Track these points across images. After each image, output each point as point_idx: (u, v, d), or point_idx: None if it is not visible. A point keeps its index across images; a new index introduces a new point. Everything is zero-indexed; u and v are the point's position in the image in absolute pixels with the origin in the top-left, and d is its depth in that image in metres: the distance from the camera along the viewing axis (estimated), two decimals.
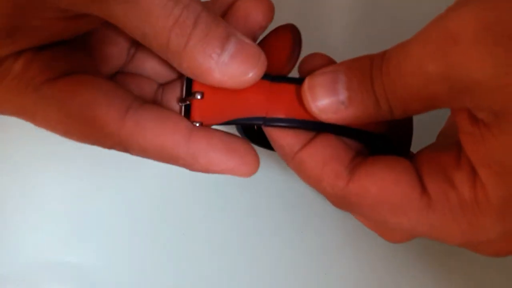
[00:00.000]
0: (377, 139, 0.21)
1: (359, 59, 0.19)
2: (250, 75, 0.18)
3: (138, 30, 0.18)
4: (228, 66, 0.18)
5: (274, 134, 0.20)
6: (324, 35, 0.34)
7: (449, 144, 0.19)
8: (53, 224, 0.34)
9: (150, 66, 0.22)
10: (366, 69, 0.18)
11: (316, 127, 0.20)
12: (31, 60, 0.18)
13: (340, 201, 0.20)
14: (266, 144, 0.22)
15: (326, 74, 0.19)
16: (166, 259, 0.32)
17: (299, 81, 0.20)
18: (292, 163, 0.20)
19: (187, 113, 0.21)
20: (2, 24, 0.17)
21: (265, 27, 0.21)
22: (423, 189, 0.18)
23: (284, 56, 0.20)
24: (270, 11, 0.21)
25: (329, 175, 0.19)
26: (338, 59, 0.20)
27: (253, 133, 0.22)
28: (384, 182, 0.18)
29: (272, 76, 0.20)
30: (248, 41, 0.19)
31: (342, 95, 0.18)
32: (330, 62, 0.20)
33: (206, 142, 0.20)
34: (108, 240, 0.33)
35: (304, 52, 0.21)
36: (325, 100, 0.19)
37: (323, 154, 0.19)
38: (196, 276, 0.32)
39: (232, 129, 0.23)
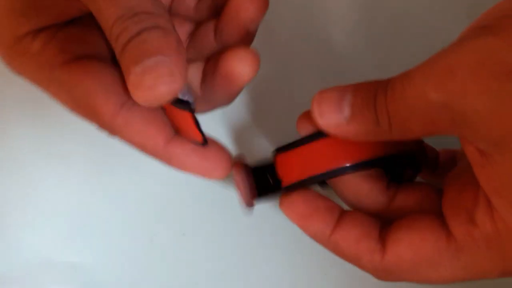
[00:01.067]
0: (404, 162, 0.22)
1: (367, 82, 0.20)
2: (156, 92, 0.18)
3: (94, 12, 0.19)
4: (137, 78, 0.18)
5: (299, 221, 0.22)
6: (326, 33, 0.34)
7: (468, 179, 0.19)
8: (53, 224, 0.34)
9: None
10: (371, 90, 0.19)
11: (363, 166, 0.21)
12: (48, 41, 0.21)
13: (382, 274, 0.21)
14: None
15: (334, 91, 0.20)
16: (166, 259, 0.32)
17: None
18: (328, 246, 0.22)
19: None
20: (17, 3, 0.19)
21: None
22: (449, 235, 0.19)
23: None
24: (256, 67, 0.21)
25: (364, 252, 0.21)
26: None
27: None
28: (413, 244, 0.20)
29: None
30: (169, 64, 0.18)
31: (346, 112, 0.19)
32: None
33: (181, 149, 0.22)
34: (108, 240, 0.33)
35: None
36: (330, 115, 0.20)
37: (355, 233, 0.21)
38: (196, 276, 0.32)
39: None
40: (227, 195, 0.32)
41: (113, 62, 0.22)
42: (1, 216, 0.34)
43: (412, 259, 0.20)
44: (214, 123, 0.26)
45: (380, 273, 0.21)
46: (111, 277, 0.32)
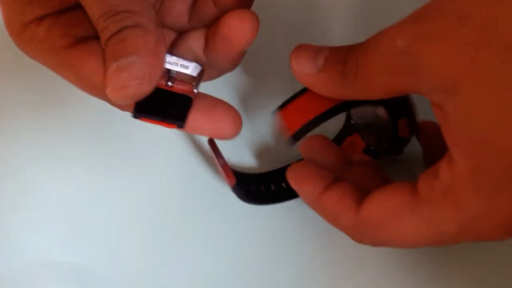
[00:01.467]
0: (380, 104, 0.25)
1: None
2: (125, 91, 0.21)
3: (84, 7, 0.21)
4: (112, 73, 0.21)
5: (297, 183, 0.24)
6: (325, 29, 0.34)
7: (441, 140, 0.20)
8: (53, 224, 0.34)
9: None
10: (347, 47, 0.21)
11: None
12: (52, 26, 0.22)
13: (356, 233, 0.23)
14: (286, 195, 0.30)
15: (314, 46, 0.22)
16: (166, 259, 0.32)
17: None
18: (314, 205, 0.24)
19: None
20: None
21: (249, 43, 0.23)
22: (414, 191, 0.20)
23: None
24: (255, 28, 0.22)
25: (342, 210, 0.22)
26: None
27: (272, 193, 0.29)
28: (381, 200, 0.21)
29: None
30: (140, 66, 0.21)
31: (319, 62, 0.22)
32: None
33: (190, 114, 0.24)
34: (108, 240, 0.33)
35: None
36: (304, 64, 0.22)
37: (338, 194, 0.23)
38: (196, 276, 0.32)
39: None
40: (227, 195, 0.32)
41: None
42: (1, 216, 0.34)
43: (380, 214, 0.21)
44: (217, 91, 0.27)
45: (354, 232, 0.23)
46: (111, 277, 0.32)
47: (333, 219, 0.24)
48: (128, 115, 0.34)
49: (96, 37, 0.23)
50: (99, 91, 0.23)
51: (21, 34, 0.22)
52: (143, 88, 0.21)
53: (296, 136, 0.25)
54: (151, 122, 0.25)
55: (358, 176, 0.25)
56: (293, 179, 0.25)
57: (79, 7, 0.23)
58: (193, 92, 0.25)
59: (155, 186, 0.33)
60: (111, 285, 0.32)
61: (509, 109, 0.17)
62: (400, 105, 0.26)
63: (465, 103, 0.17)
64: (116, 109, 0.31)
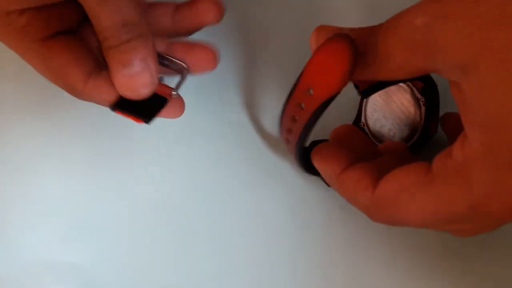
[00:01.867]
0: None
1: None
2: (136, 92, 0.26)
3: (90, 15, 0.24)
4: (124, 78, 0.25)
5: (320, 162, 0.25)
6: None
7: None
8: (53, 224, 0.34)
9: None
10: (368, 28, 0.21)
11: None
12: (33, 18, 0.24)
13: (373, 211, 0.23)
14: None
15: (333, 26, 0.23)
16: (166, 259, 0.32)
17: None
18: (335, 184, 0.25)
19: None
20: None
21: (211, 22, 0.29)
22: (429, 169, 0.20)
23: (337, 76, 0.21)
24: (221, 14, 0.28)
25: (360, 189, 0.23)
26: None
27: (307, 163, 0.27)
28: (397, 179, 0.22)
29: None
30: (150, 71, 0.26)
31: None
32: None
33: None
34: (108, 240, 0.33)
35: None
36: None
37: (358, 174, 0.23)
38: (196, 276, 0.32)
39: None
40: (227, 195, 0.32)
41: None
42: (1, 216, 0.34)
43: (394, 192, 0.21)
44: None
45: (371, 210, 0.23)
46: (111, 277, 0.32)
47: (351, 198, 0.24)
48: None
49: (70, 31, 0.27)
50: (63, 81, 0.27)
51: (1, 17, 0.24)
52: (151, 90, 0.26)
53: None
54: (124, 116, 0.28)
55: (384, 161, 0.25)
56: (317, 158, 0.25)
57: (59, 3, 0.25)
58: (171, 95, 0.28)
59: (155, 186, 0.33)
60: (111, 285, 0.32)
61: None
62: (433, 103, 0.27)
63: (482, 81, 0.18)
64: None
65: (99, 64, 0.27)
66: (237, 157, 0.33)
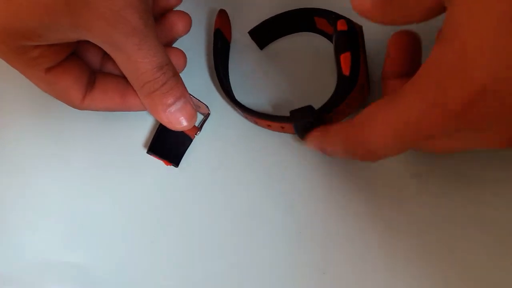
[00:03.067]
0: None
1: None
2: (183, 124, 0.30)
3: (123, 69, 0.28)
4: (172, 115, 0.29)
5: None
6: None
7: None
8: (53, 224, 0.34)
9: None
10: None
11: None
12: (45, 51, 0.27)
13: (350, 146, 0.25)
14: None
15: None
16: (166, 259, 0.32)
17: None
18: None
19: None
20: (39, 30, 0.25)
21: (183, 35, 0.32)
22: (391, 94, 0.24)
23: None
24: (189, 24, 0.32)
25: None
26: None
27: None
28: (365, 109, 0.24)
29: None
30: (190, 103, 0.30)
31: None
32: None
33: (136, 101, 0.31)
34: (108, 240, 0.33)
35: None
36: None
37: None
38: (195, 276, 0.32)
39: None
40: (226, 195, 0.33)
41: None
42: (1, 216, 0.34)
43: (361, 119, 0.24)
44: None
45: (349, 146, 0.25)
46: (111, 277, 0.32)
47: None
48: (130, 114, 0.35)
49: (73, 53, 0.30)
50: (65, 99, 0.30)
51: (14, 50, 0.26)
52: (195, 118, 0.30)
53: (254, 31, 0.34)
54: (158, 158, 0.34)
55: None
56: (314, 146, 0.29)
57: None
58: (196, 134, 0.34)
59: (155, 186, 0.33)
60: (111, 285, 0.32)
61: None
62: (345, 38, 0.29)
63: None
64: (117, 109, 0.31)
65: (92, 79, 0.30)
66: (237, 157, 0.33)
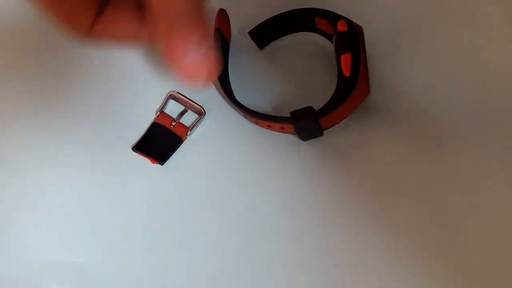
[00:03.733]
0: None
1: None
2: (200, 77, 0.22)
3: None
4: (191, 61, 0.22)
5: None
6: None
7: None
8: (53, 224, 0.34)
9: None
10: None
11: None
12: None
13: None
14: None
15: None
16: (166, 259, 0.32)
17: None
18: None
19: None
20: None
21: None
22: None
23: None
24: None
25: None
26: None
27: None
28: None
29: None
30: (214, 53, 0.22)
31: None
32: None
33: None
34: (108, 240, 0.33)
35: None
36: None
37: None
38: (195, 276, 0.32)
39: None
40: (227, 196, 0.33)
41: None
42: (1, 216, 0.34)
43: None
44: None
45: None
46: (111, 277, 0.32)
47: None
48: (128, 114, 0.35)
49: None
50: (76, 25, 0.25)
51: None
52: (214, 77, 0.23)
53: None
54: (143, 156, 0.34)
55: None
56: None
57: None
58: (187, 134, 0.33)
59: (155, 186, 0.33)
60: (111, 285, 0.32)
61: None
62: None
63: None
64: (117, 109, 0.31)
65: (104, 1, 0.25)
66: (237, 157, 0.33)
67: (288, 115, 0.30)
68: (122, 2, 0.25)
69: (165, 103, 0.34)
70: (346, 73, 0.28)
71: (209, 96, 0.34)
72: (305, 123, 0.29)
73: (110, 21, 0.25)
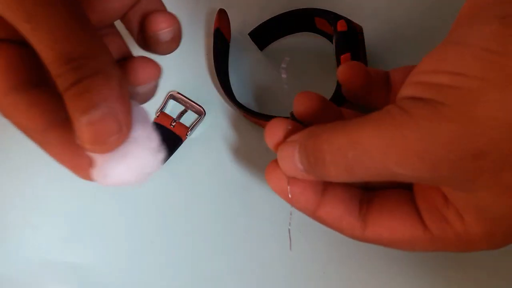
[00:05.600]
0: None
1: (306, 135, 0.22)
2: (89, 143, 0.19)
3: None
4: (83, 126, 0.19)
5: (293, 200, 0.24)
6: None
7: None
8: (53, 224, 0.34)
9: None
10: (310, 152, 0.21)
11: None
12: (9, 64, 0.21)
13: (362, 242, 0.24)
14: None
15: (286, 147, 0.23)
16: (166, 259, 0.32)
17: None
18: (314, 219, 0.24)
19: None
20: None
21: (150, 83, 0.24)
22: (424, 226, 0.22)
23: None
24: (157, 73, 0.24)
25: (347, 228, 0.23)
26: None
27: None
28: (392, 229, 0.23)
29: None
30: (114, 116, 0.19)
31: (300, 167, 0.22)
32: (318, 101, 0.25)
33: (58, 137, 0.22)
34: (108, 240, 0.33)
35: None
36: (291, 169, 0.23)
37: (337, 211, 0.23)
38: (195, 276, 0.32)
39: None
40: (226, 196, 0.33)
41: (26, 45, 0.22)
42: (1, 216, 0.34)
43: (390, 239, 0.23)
44: None
45: (360, 241, 0.24)
46: (111, 277, 0.32)
47: (338, 231, 0.24)
48: None
49: (14, 42, 0.22)
50: (31, 137, 0.23)
51: None
52: (123, 139, 0.20)
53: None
54: None
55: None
56: (280, 194, 0.24)
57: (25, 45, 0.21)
58: (187, 134, 0.33)
59: (155, 187, 0.33)
60: (111, 285, 0.32)
61: None
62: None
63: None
64: None
65: (30, 80, 0.22)
66: (237, 156, 0.33)
67: (288, 115, 0.30)
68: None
69: (165, 103, 0.34)
70: None
71: (209, 96, 0.34)
72: (305, 124, 0.29)
73: (15, 103, 0.22)
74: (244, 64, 0.35)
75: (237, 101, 0.32)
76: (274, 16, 0.33)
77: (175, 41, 0.25)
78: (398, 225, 0.22)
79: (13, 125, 0.23)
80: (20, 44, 0.22)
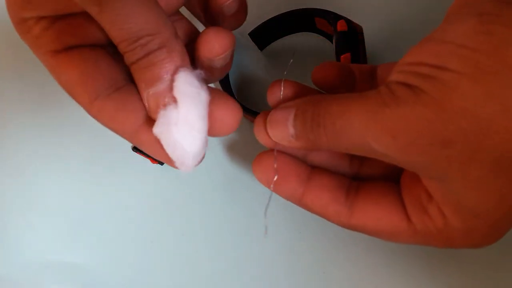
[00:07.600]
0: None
1: (307, 101, 0.22)
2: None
3: (111, 34, 0.21)
4: (150, 97, 0.22)
5: (279, 187, 0.25)
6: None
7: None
8: (53, 224, 0.34)
9: None
10: (309, 115, 0.22)
11: None
12: (46, 28, 0.23)
13: (347, 229, 0.24)
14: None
15: (280, 111, 0.23)
16: (165, 259, 0.32)
17: None
18: (300, 206, 0.25)
19: None
20: None
21: (222, 55, 0.24)
22: (408, 219, 0.22)
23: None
24: (230, 41, 0.23)
25: (332, 214, 0.24)
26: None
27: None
28: (376, 219, 0.23)
29: None
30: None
31: (291, 131, 0.23)
32: (340, 69, 0.25)
33: (148, 136, 0.23)
34: (108, 240, 0.33)
35: None
36: (279, 133, 0.23)
37: (323, 198, 0.24)
38: (195, 276, 0.32)
39: None
40: (226, 196, 0.33)
41: (110, 47, 0.24)
42: (1, 216, 0.34)
43: (374, 228, 0.23)
44: None
45: (345, 228, 0.24)
46: (111, 277, 0.33)
47: (323, 217, 0.25)
48: None
49: (87, 45, 0.24)
50: (74, 99, 0.24)
51: (19, 24, 0.23)
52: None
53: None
54: (143, 156, 0.33)
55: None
56: (265, 182, 0.25)
57: (75, 14, 0.23)
58: None
59: (155, 186, 0.33)
60: (111, 285, 0.32)
61: None
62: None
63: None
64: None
65: (111, 85, 0.24)
66: (237, 156, 0.33)
67: None
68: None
69: None
70: None
71: None
72: None
73: (103, 110, 0.23)
74: (244, 64, 0.35)
75: (237, 101, 0.32)
76: (274, 16, 0.33)
77: (242, 11, 0.25)
78: (383, 216, 0.23)
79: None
80: (91, 47, 0.24)
